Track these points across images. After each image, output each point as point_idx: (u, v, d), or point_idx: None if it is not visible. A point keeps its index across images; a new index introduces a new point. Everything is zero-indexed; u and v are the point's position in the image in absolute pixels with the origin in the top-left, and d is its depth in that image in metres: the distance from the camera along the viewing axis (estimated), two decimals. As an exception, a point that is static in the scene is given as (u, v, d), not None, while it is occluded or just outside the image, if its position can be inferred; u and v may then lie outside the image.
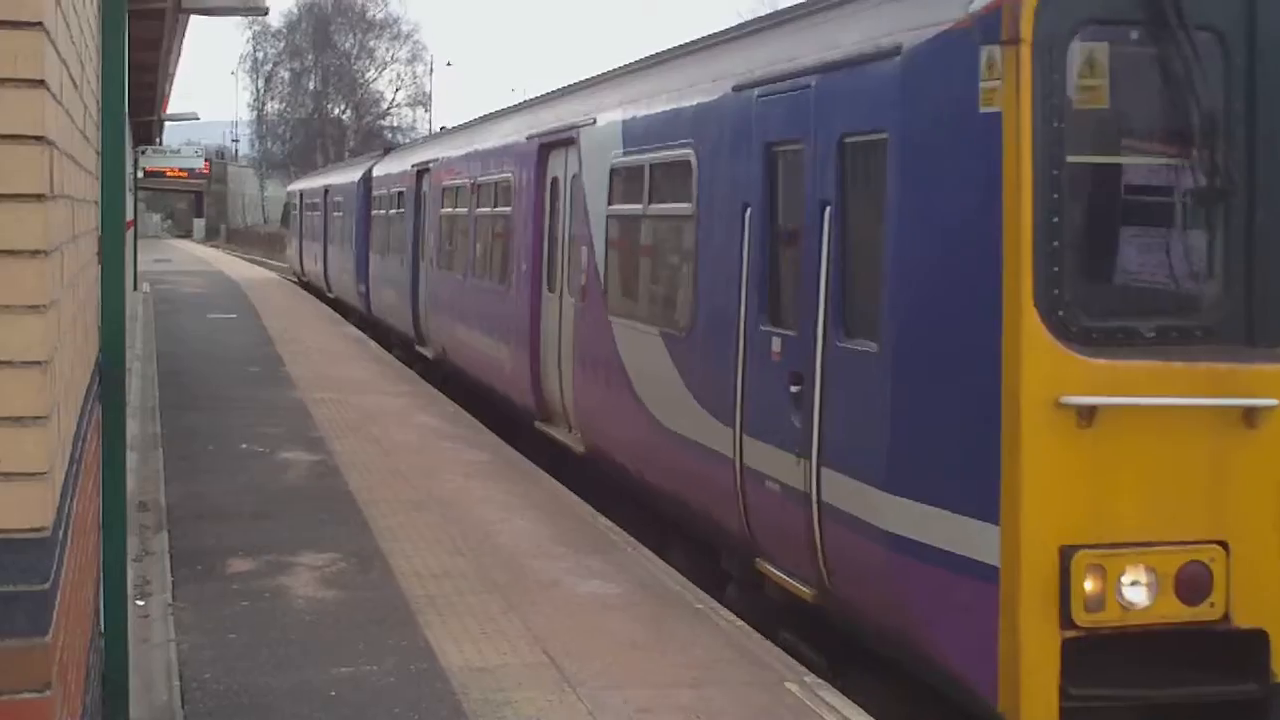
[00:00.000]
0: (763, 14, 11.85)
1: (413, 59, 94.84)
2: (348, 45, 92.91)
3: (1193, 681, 6.61)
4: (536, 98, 17.28)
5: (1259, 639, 6.58)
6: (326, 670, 7.26)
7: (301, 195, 43.37)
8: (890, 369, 7.11)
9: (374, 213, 27.16)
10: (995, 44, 6.49)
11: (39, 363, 3.00)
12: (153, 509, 10.80)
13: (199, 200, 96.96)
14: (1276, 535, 6.60)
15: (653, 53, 12.54)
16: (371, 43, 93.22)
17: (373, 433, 14.50)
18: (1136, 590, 6.42)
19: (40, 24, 2.95)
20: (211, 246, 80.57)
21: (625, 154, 11.47)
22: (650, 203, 10.92)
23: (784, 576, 8.28)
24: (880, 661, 7.70)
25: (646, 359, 10.68)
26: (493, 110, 20.06)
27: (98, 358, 5.88)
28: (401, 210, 23.42)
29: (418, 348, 21.65)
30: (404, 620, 8.13)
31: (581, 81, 14.97)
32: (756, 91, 8.83)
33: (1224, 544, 6.52)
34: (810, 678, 7.49)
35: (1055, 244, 6.43)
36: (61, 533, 3.39)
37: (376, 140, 75.30)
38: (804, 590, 8.00)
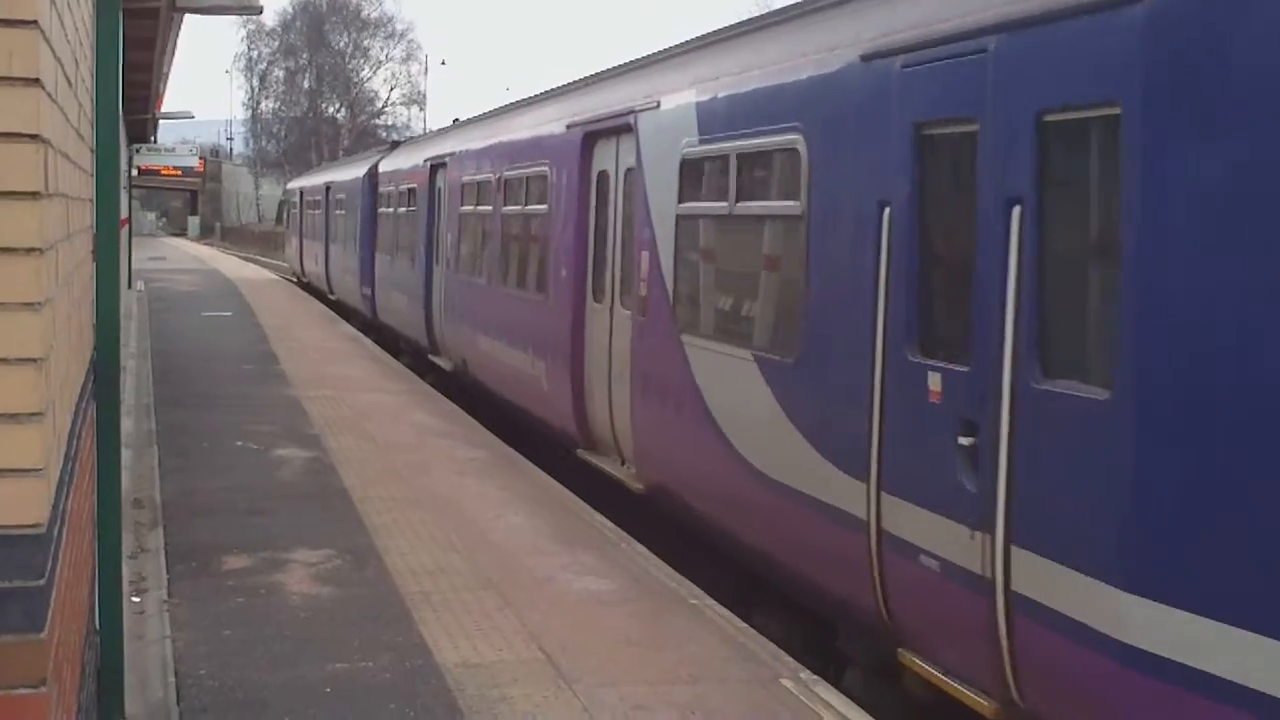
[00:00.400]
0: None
1: (407, 58, 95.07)
2: (342, 44, 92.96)
3: None
4: (573, 83, 15.34)
5: None
6: (321, 667, 7.27)
7: (301, 193, 42.18)
8: (1134, 425, 5.40)
9: (380, 211, 25.73)
10: None
11: (34, 360, 3.01)
12: (148, 506, 10.81)
13: (193, 198, 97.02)
14: None
15: (734, 22, 10.85)
16: (366, 42, 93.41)
17: (368, 430, 14.51)
18: None
19: (35, 22, 2.96)
20: (206, 245, 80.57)
21: (702, 142, 9.83)
22: (739, 200, 9.22)
23: (947, 680, 6.68)
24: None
25: (735, 388, 9.04)
26: (515, 100, 18.75)
27: (92, 355, 5.89)
28: (413, 208, 21.90)
29: (431, 357, 20.26)
30: (399, 617, 8.14)
31: (631, 62, 13.25)
32: (900, 60, 7.18)
33: None
34: (806, 674, 7.48)
35: None
36: (57, 529, 3.41)
37: (371, 139, 75.24)
38: (982, 702, 6.38)
